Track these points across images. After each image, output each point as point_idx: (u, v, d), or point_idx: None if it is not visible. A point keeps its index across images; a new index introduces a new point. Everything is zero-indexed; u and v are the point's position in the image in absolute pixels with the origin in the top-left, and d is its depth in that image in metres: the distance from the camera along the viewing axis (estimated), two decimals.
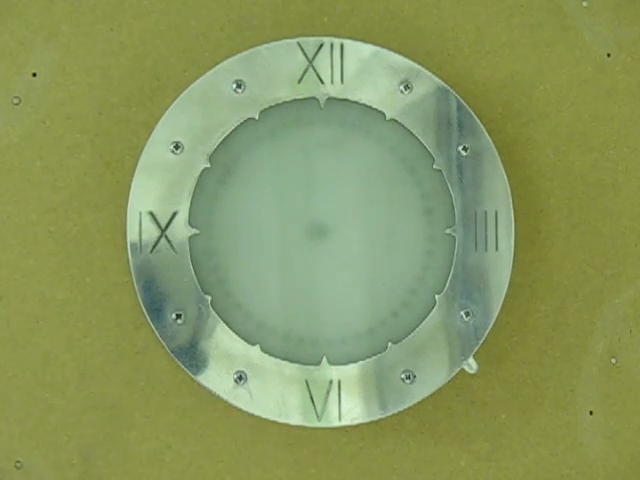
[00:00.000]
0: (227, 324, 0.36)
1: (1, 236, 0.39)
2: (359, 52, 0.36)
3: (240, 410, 0.36)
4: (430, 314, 0.36)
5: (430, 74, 0.36)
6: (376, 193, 0.37)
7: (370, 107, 0.36)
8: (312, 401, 0.36)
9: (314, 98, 0.36)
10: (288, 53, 0.36)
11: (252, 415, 0.35)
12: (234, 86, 0.36)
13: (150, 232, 0.36)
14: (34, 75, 0.39)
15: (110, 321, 0.39)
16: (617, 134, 0.40)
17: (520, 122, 0.40)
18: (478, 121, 0.36)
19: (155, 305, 0.35)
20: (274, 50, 0.36)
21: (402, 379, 0.36)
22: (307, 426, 0.36)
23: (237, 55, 0.36)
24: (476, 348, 0.36)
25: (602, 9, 0.40)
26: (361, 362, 0.36)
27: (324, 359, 0.36)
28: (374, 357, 0.36)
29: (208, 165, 0.36)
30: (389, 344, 0.36)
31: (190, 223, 0.36)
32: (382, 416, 0.36)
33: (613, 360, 0.40)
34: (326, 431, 0.39)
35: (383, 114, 0.36)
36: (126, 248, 0.36)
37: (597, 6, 0.40)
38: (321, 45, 0.36)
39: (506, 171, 0.36)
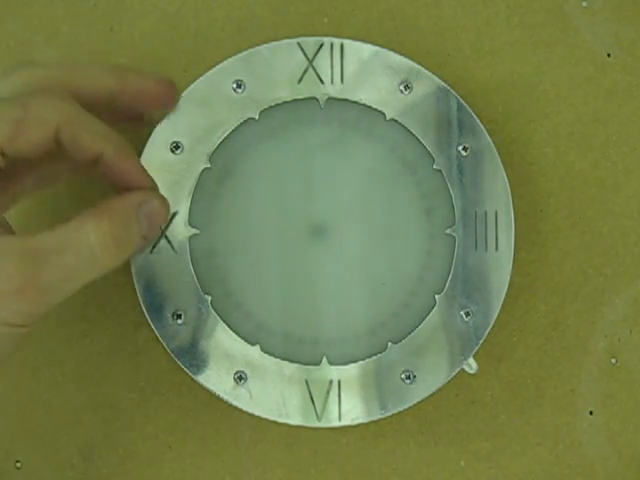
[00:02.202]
0: (227, 324, 0.36)
1: None
2: (359, 52, 0.36)
3: (240, 410, 0.36)
4: (430, 314, 0.36)
5: (430, 74, 0.36)
6: (376, 193, 0.37)
7: (370, 107, 0.36)
8: (312, 401, 0.36)
9: (314, 98, 0.36)
10: (288, 53, 0.36)
11: (252, 415, 0.35)
12: (234, 86, 0.36)
13: None
14: None
15: (110, 321, 0.39)
16: (617, 134, 0.40)
17: (520, 122, 0.40)
18: (478, 121, 0.36)
19: (155, 305, 0.35)
20: (274, 50, 0.36)
21: (402, 379, 0.36)
22: (307, 426, 0.36)
23: (237, 55, 0.36)
24: (476, 348, 0.36)
25: (602, 9, 0.40)
26: (361, 362, 0.36)
27: (324, 359, 0.36)
28: (374, 357, 0.36)
29: (208, 165, 0.36)
30: (389, 344, 0.36)
31: (190, 223, 0.36)
32: (382, 416, 0.36)
33: (613, 360, 0.40)
34: (326, 431, 0.39)
35: (383, 114, 0.36)
36: None
37: (597, 6, 0.40)
38: (321, 45, 0.36)
39: (506, 171, 0.36)
